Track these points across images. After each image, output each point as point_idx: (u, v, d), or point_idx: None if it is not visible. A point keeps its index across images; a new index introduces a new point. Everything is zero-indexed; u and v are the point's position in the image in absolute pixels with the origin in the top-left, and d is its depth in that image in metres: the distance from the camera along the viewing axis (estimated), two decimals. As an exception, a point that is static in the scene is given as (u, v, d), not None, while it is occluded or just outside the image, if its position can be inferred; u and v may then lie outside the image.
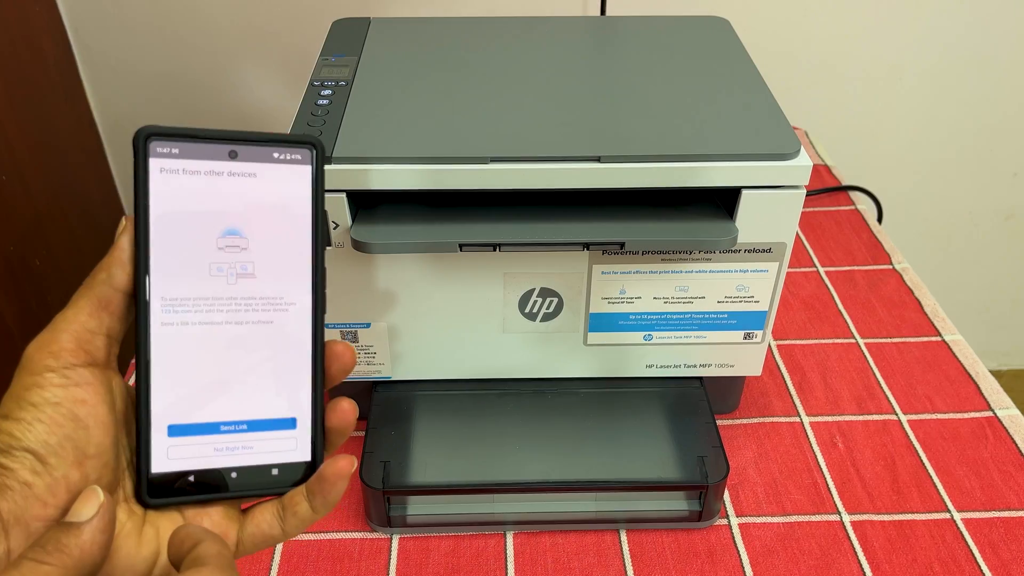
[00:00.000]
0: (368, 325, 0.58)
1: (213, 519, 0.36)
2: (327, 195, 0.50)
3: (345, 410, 0.37)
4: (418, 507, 0.57)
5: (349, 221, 0.52)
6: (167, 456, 0.35)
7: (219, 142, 0.34)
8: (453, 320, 0.58)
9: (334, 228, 0.52)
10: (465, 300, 0.56)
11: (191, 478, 0.35)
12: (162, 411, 0.35)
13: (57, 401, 0.32)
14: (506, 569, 0.56)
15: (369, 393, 0.62)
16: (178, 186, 0.34)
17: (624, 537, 0.58)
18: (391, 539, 0.58)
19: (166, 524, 0.35)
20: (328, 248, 0.53)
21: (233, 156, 0.35)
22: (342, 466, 0.35)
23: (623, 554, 0.56)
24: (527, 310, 0.57)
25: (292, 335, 0.36)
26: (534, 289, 0.56)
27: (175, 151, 0.34)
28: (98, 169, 1.12)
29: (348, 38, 0.65)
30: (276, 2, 1.02)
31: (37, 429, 0.31)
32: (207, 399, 0.35)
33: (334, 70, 0.60)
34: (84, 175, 1.07)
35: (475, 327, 0.58)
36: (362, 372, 0.61)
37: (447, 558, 0.56)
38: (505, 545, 0.57)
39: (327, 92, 0.56)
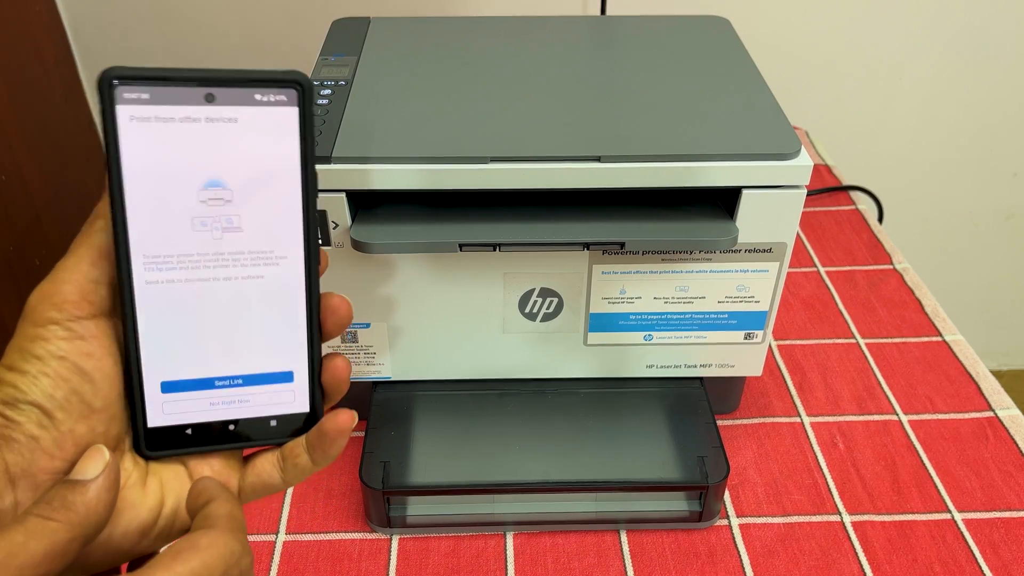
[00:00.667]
0: (368, 325, 0.58)
1: (214, 468, 0.36)
2: (327, 195, 0.50)
3: (338, 366, 0.37)
4: (418, 507, 0.57)
5: (349, 221, 0.51)
6: (163, 411, 0.35)
7: (193, 84, 0.32)
8: (453, 320, 0.57)
9: (334, 228, 0.52)
10: (465, 300, 0.56)
11: (189, 431, 0.35)
12: (154, 368, 0.34)
13: (62, 355, 0.31)
14: (506, 570, 0.56)
15: (369, 393, 0.62)
16: (151, 135, 0.32)
17: (624, 537, 0.58)
18: (391, 539, 0.57)
19: (169, 475, 0.35)
20: (328, 247, 0.53)
21: (210, 100, 0.32)
22: (342, 420, 0.35)
23: (623, 555, 0.56)
24: (527, 310, 0.57)
25: (284, 289, 0.35)
26: (534, 289, 0.56)
27: (145, 96, 0.31)
28: (98, 169, 1.11)
29: (348, 38, 0.65)
30: (276, 2, 1.02)
31: (43, 383, 0.31)
32: (200, 355, 0.35)
33: (334, 70, 0.60)
34: (84, 175, 1.07)
35: (475, 327, 0.58)
36: (362, 372, 0.61)
37: (447, 559, 0.56)
38: (505, 545, 0.57)
39: (327, 92, 0.56)
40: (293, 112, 0.33)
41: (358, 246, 0.51)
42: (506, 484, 0.56)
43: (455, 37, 0.66)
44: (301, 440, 0.36)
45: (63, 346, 0.32)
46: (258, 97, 0.33)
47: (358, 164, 0.50)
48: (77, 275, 0.33)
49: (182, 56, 1.06)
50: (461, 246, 0.51)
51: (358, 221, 0.52)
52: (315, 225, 0.35)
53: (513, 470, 0.56)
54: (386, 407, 0.61)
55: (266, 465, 0.36)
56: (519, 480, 0.56)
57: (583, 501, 0.57)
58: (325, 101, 0.55)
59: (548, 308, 0.57)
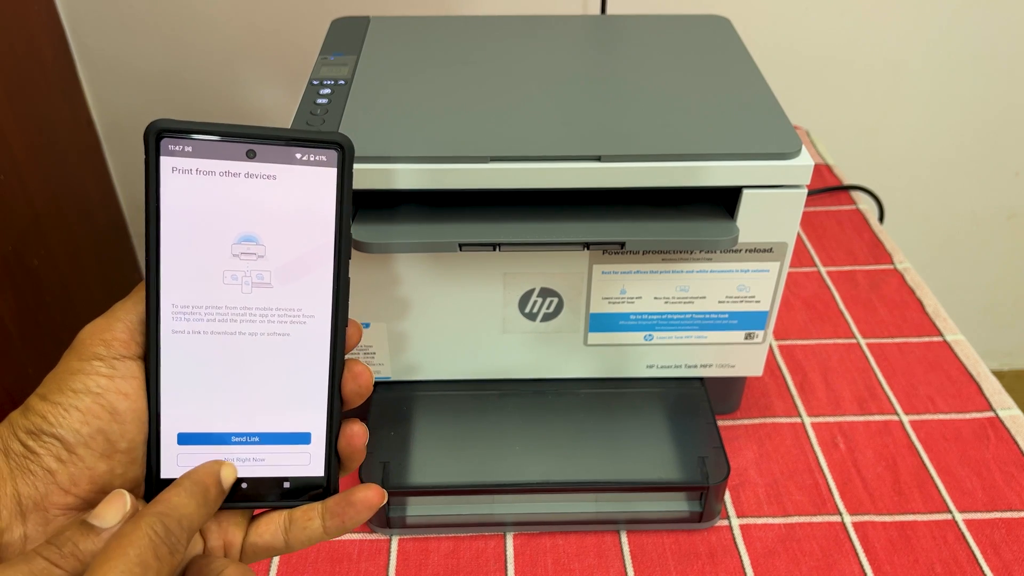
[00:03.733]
0: (368, 325, 0.58)
1: (221, 524, 0.36)
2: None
3: (355, 434, 0.36)
4: (418, 508, 0.57)
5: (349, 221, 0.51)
6: (176, 463, 0.34)
7: (236, 140, 0.32)
8: (453, 320, 0.57)
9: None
10: (465, 300, 0.56)
11: None
12: (172, 419, 0.34)
13: (99, 391, 0.31)
14: (506, 570, 0.55)
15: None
16: (191, 187, 0.32)
17: (624, 538, 0.57)
18: (390, 540, 0.57)
19: None
20: None
21: (251, 156, 0.32)
22: (372, 496, 0.35)
23: (623, 555, 0.56)
24: (527, 310, 0.57)
25: (309, 349, 0.35)
26: (534, 289, 0.56)
27: (188, 149, 0.32)
28: (96, 168, 1.11)
29: (347, 37, 0.65)
30: (276, 2, 1.02)
31: (72, 417, 0.31)
32: (218, 409, 0.35)
33: (333, 69, 0.59)
34: (82, 175, 1.07)
35: (475, 327, 0.58)
36: (361, 372, 0.60)
37: (446, 559, 0.56)
38: (505, 546, 0.57)
39: (326, 91, 0.56)
40: (332, 173, 0.34)
41: (358, 246, 0.50)
42: (506, 484, 0.56)
43: (455, 36, 0.66)
44: (315, 505, 0.36)
45: (102, 382, 0.32)
46: (299, 156, 0.33)
47: (358, 164, 0.49)
48: (132, 315, 0.33)
49: (181, 56, 1.06)
50: (461, 246, 0.50)
51: (358, 221, 0.52)
52: (345, 287, 0.35)
53: (513, 470, 0.56)
54: (386, 407, 0.61)
55: (270, 526, 0.36)
56: (519, 480, 0.56)
57: (583, 502, 0.57)
58: (324, 100, 0.55)
59: (548, 308, 0.57)
